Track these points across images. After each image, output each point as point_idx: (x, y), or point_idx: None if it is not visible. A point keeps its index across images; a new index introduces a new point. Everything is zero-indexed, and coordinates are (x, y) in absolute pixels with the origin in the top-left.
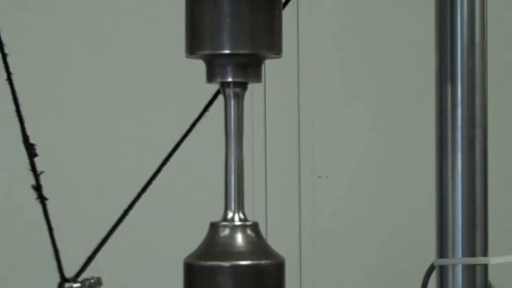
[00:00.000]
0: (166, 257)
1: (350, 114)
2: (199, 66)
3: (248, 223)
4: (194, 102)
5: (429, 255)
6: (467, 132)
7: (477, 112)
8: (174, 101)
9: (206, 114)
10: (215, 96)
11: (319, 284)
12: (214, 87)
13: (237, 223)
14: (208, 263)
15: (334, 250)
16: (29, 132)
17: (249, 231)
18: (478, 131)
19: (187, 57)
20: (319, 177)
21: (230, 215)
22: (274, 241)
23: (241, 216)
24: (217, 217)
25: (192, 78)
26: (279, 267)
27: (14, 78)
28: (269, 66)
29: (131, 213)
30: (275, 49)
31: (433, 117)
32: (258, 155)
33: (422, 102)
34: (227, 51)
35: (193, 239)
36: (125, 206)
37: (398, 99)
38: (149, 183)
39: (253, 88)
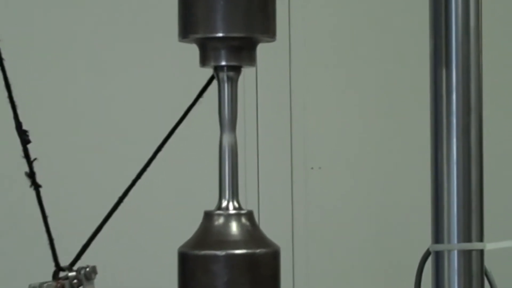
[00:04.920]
0: (160, 246)
1: (343, 104)
2: (193, 51)
3: (242, 211)
4: (189, 88)
5: (425, 241)
6: (462, 118)
7: (472, 97)
8: (168, 87)
9: (201, 99)
10: (209, 82)
11: (313, 274)
12: (208, 72)
13: (232, 211)
14: (203, 252)
15: (327, 240)
16: (22, 118)
17: (243, 220)
18: (473, 116)
19: (180, 41)
20: (312, 168)
21: (224, 203)
22: (267, 232)
23: (236, 204)
24: (211, 206)
25: (186, 63)
26: (274, 255)
27: (6, 64)
28: (260, 56)
29: (125, 200)
30: (269, 32)
31: (427, 104)
32: (250, 146)
33: (416, 90)
34: (220, 34)
35: (187, 228)
36: (120, 194)
37: (392, 87)
38: (143, 170)
39: (244, 79)
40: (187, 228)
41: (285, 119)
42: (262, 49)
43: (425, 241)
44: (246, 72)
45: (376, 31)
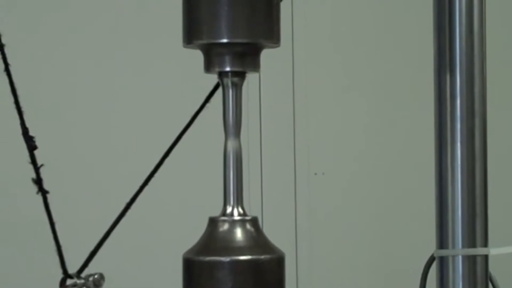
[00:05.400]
0: (166, 252)
1: (346, 109)
2: (197, 57)
3: (247, 217)
4: (193, 94)
5: (429, 246)
6: (466, 122)
7: (476, 101)
8: (175, 93)
9: (207, 105)
10: (215, 88)
11: (316, 280)
12: (213, 78)
13: (236, 217)
14: (208, 258)
15: (330, 246)
16: (28, 124)
17: (248, 226)
18: (477, 121)
19: (184, 47)
20: (315, 174)
21: (229, 209)
22: (271, 238)
23: (240, 210)
24: (216, 212)
25: (192, 69)
26: (279, 262)
27: (12, 69)
28: (263, 61)
29: (133, 207)
30: (273, 38)
31: (431, 109)
32: (253, 152)
33: (420, 95)
34: (225, 40)
35: (192, 234)
36: (127, 200)
37: (396, 92)
38: (150, 176)
39: (248, 85)
40: (192, 234)
41: (288, 124)
42: (265, 55)
43: (430, 246)
44: (250, 78)
45: (380, 36)
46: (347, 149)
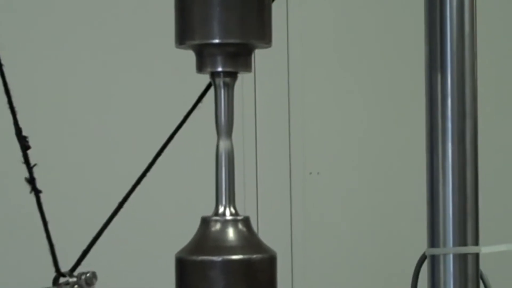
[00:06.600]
0: (158, 251)
1: (341, 109)
2: (190, 57)
3: (239, 217)
4: (186, 94)
5: (421, 245)
6: (457, 123)
7: (467, 102)
8: (167, 93)
9: (199, 105)
10: (207, 88)
11: (311, 279)
12: (205, 78)
13: (228, 217)
14: (200, 258)
15: (325, 245)
16: (21, 124)
17: (240, 226)
18: (468, 121)
19: (177, 47)
20: (310, 173)
21: (221, 209)
22: (266, 238)
23: (232, 210)
24: (208, 212)
25: (184, 70)
26: (271, 261)
27: (5, 69)
28: (258, 61)
29: (125, 206)
30: (265, 38)
31: (423, 109)
32: (248, 151)
33: (414, 96)
34: (216, 41)
35: (185, 234)
36: (119, 199)
37: (390, 92)
38: (142, 176)
39: (243, 85)
40: (185, 233)
41: (283, 124)
42: (260, 54)
43: (421, 245)
44: (245, 77)
45: (374, 37)
46: (342, 148)
